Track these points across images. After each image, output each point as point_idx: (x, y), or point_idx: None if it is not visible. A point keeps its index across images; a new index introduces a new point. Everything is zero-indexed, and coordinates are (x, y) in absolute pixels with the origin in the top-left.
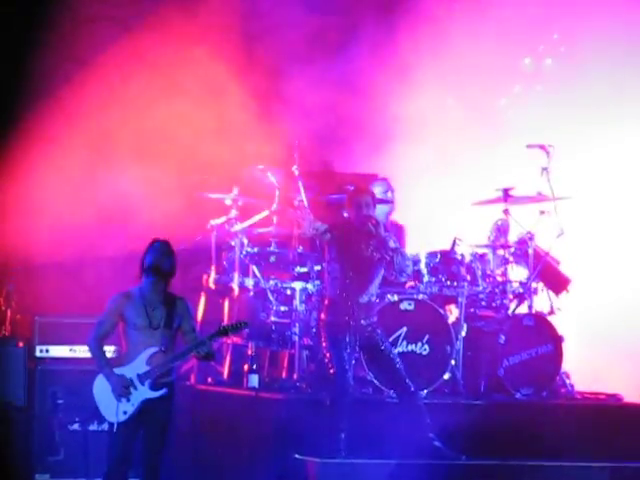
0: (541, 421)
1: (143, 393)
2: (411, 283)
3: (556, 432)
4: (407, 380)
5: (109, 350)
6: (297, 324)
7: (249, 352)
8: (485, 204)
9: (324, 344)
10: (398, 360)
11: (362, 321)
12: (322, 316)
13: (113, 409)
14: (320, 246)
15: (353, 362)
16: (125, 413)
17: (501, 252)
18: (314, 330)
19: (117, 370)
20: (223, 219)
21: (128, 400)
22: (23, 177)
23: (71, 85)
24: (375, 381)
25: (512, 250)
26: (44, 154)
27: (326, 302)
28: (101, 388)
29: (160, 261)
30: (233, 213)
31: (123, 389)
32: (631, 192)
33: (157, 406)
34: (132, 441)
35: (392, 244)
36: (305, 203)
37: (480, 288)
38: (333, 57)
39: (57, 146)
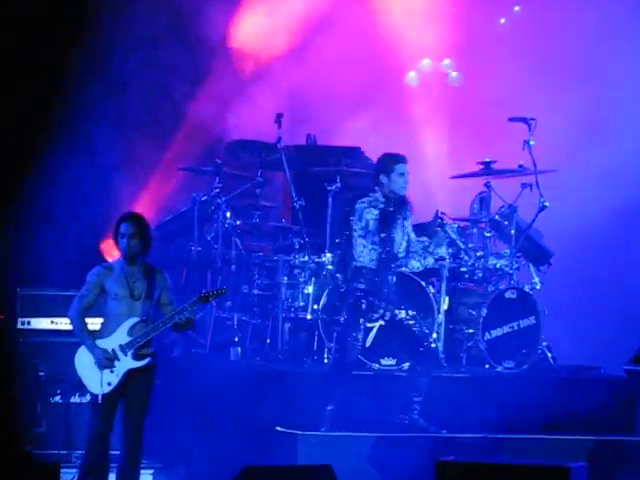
0: (522, 394)
1: (126, 364)
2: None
3: (537, 405)
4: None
5: (96, 323)
6: (280, 297)
7: (232, 325)
8: (466, 177)
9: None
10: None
11: (391, 294)
12: (353, 284)
13: (97, 381)
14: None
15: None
16: (109, 384)
17: (483, 225)
18: (299, 303)
19: (99, 342)
20: (206, 192)
21: (112, 371)
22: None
23: None
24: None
25: (494, 223)
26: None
27: (356, 269)
28: (83, 361)
29: (130, 249)
30: (216, 186)
31: (107, 361)
32: (614, 164)
33: (140, 376)
34: (114, 412)
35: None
36: (288, 176)
37: (462, 261)
38: None
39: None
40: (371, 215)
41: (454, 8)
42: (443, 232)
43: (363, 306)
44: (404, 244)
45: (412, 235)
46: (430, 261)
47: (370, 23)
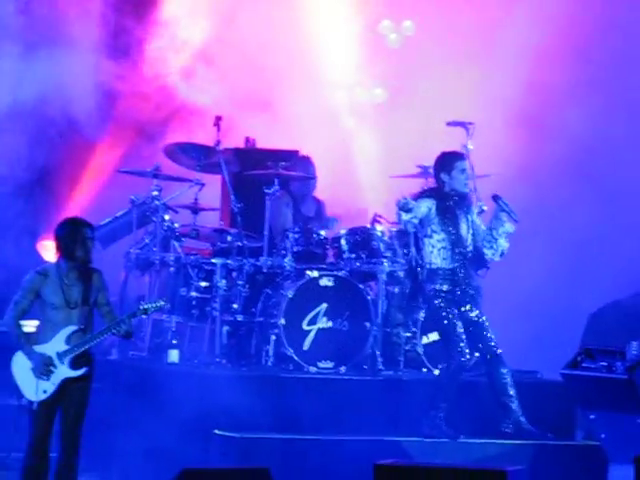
0: (459, 398)
1: (63, 372)
2: (331, 259)
3: (475, 409)
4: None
5: (31, 325)
6: (217, 299)
7: (170, 327)
8: (405, 178)
9: (428, 314)
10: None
11: (470, 290)
12: (431, 286)
13: (33, 387)
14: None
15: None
16: (45, 392)
17: None
18: (235, 306)
19: (36, 348)
20: (144, 194)
21: (48, 379)
22: None
23: None
24: (295, 357)
25: None
26: None
27: (441, 271)
28: (20, 366)
29: (86, 252)
30: (154, 188)
31: (44, 367)
32: (552, 167)
33: (77, 385)
34: (52, 419)
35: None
36: (227, 179)
37: (399, 265)
38: None
39: None
40: (432, 214)
41: None
42: (498, 206)
43: (442, 304)
44: (470, 238)
45: (482, 227)
46: (503, 243)
47: None
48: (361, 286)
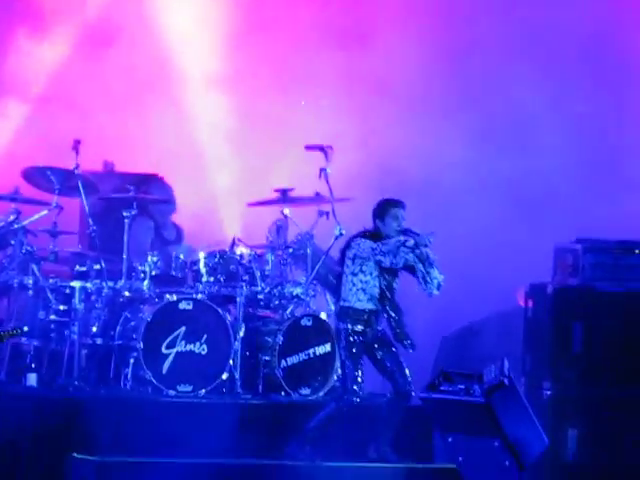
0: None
1: None
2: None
3: (332, 431)
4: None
5: None
6: (76, 323)
7: (28, 351)
8: (263, 205)
9: (342, 351)
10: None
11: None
12: (348, 326)
13: None
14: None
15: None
16: None
17: (280, 253)
18: (94, 329)
19: None
20: (2, 217)
21: None
22: None
23: None
24: (153, 380)
25: (291, 251)
26: None
27: (352, 311)
28: None
29: None
30: (12, 211)
31: None
32: (410, 191)
33: None
34: None
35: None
36: (85, 203)
37: (259, 288)
38: None
39: None
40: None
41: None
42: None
43: (349, 343)
44: (394, 285)
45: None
46: (436, 275)
47: None
48: (219, 310)
